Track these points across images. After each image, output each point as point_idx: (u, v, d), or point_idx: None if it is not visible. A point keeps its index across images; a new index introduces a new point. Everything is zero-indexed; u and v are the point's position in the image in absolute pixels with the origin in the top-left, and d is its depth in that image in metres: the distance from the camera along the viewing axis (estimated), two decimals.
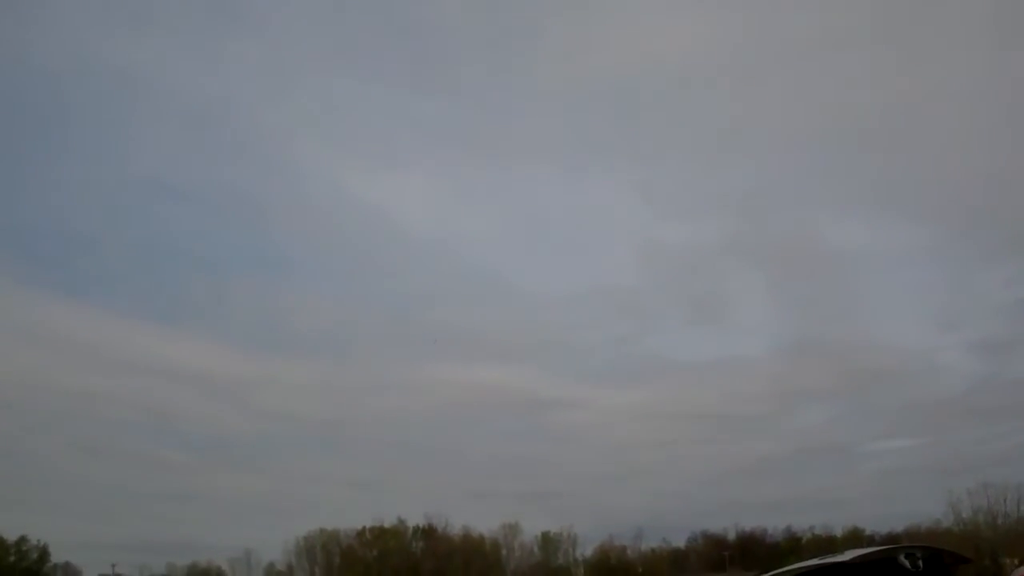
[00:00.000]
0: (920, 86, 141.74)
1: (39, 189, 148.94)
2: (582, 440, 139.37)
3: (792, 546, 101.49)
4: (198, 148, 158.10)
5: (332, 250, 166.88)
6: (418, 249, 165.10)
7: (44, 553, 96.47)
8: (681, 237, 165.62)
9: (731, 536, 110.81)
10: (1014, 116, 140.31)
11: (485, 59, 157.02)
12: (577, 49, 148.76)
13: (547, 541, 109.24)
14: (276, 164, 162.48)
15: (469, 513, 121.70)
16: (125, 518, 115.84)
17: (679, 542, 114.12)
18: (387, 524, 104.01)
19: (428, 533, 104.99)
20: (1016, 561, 57.54)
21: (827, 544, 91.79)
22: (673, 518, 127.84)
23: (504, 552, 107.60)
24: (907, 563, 13.25)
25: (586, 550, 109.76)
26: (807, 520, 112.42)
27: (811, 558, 16.72)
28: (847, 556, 14.18)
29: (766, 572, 17.67)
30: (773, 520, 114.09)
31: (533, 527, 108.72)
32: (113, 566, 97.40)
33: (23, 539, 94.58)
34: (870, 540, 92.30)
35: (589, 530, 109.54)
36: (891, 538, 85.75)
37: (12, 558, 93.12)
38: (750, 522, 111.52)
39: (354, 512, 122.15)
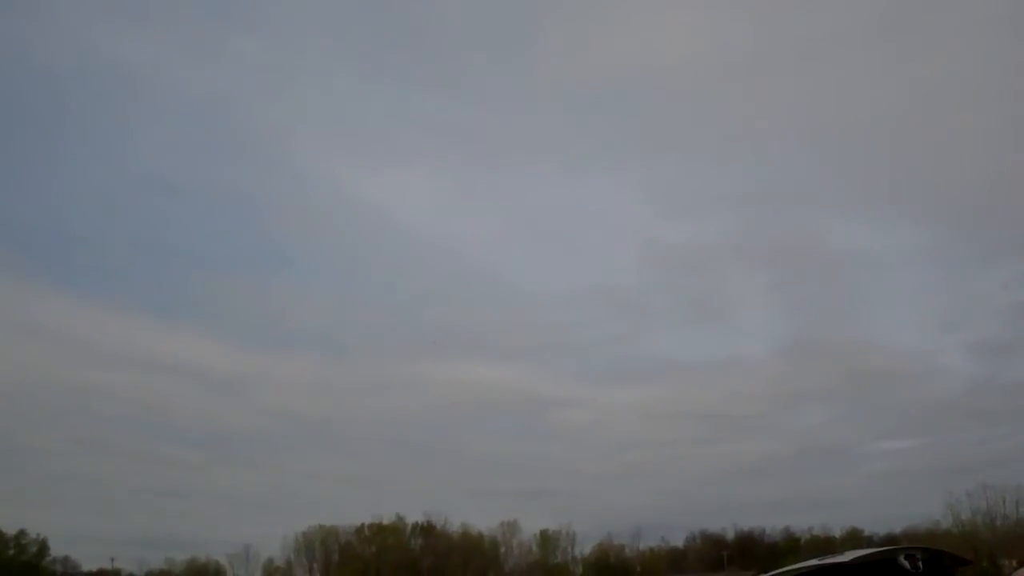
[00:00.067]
0: (923, 87, 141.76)
1: (38, 185, 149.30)
2: (581, 439, 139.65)
3: (791, 546, 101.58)
4: (197, 145, 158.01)
5: (332, 247, 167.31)
6: (418, 247, 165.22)
7: (43, 547, 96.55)
8: (682, 237, 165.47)
9: (729, 536, 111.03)
10: (1017, 117, 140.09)
11: (486, 58, 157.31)
12: (578, 48, 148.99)
13: (546, 539, 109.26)
14: (276, 161, 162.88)
15: (468, 511, 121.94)
16: (124, 513, 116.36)
17: (677, 541, 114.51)
18: (386, 521, 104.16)
19: (427, 530, 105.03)
20: (1015, 563, 57.45)
21: (825, 544, 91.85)
22: (672, 517, 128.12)
23: (503, 550, 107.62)
24: (907, 564, 13.24)
25: (584, 549, 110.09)
26: (806, 520, 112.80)
27: (810, 558, 16.72)
28: (847, 557, 14.18)
29: (764, 572, 17.67)
30: (772, 520, 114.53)
31: (532, 525, 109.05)
32: (112, 560, 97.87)
33: (22, 533, 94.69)
34: (869, 541, 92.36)
35: (588, 529, 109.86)
36: (890, 539, 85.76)
37: (11, 552, 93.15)
38: (749, 522, 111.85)
39: (353, 509, 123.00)
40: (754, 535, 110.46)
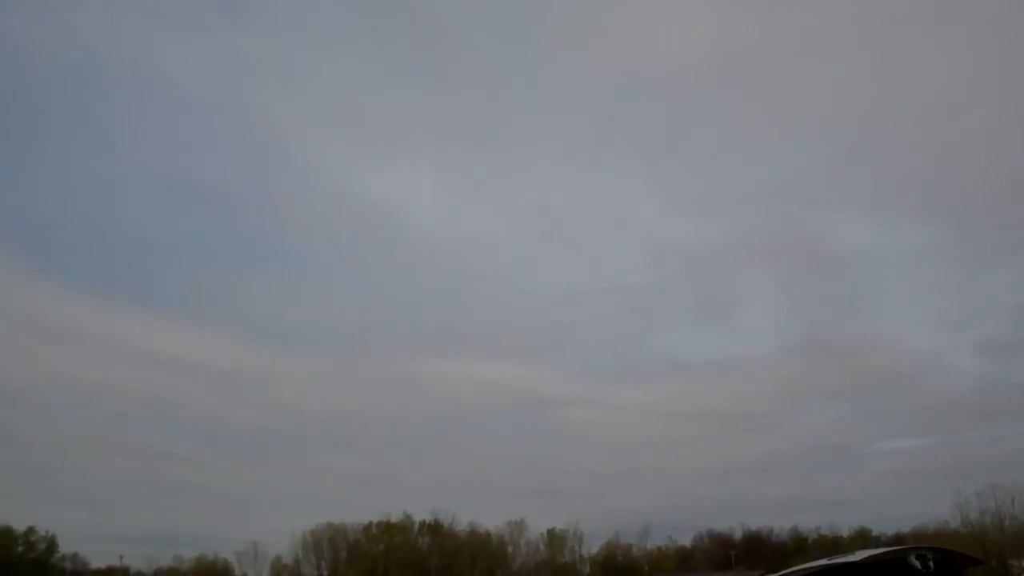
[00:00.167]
0: (930, 86, 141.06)
1: (45, 183, 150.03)
2: (589, 438, 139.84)
3: (798, 546, 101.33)
4: (204, 142, 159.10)
5: (340, 246, 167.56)
6: (426, 246, 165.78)
7: (52, 544, 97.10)
8: (690, 235, 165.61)
9: (737, 535, 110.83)
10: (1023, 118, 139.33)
11: (495, 54, 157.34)
12: (588, 46, 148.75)
13: (553, 538, 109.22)
14: (281, 159, 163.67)
15: (475, 509, 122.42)
16: (133, 510, 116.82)
17: (685, 541, 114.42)
18: (394, 519, 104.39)
19: (434, 528, 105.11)
20: (1023, 563, 57.25)
21: (833, 544, 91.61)
22: (679, 517, 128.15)
23: (510, 548, 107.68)
24: (918, 564, 13.19)
25: (592, 547, 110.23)
26: (813, 520, 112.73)
27: (818, 558, 16.68)
28: (857, 556, 14.15)
29: (772, 571, 17.62)
30: (779, 520, 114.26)
31: (539, 524, 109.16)
32: (121, 557, 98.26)
33: (31, 530, 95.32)
34: (877, 541, 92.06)
35: (595, 527, 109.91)
36: (898, 539, 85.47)
37: (20, 549, 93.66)
38: (756, 521, 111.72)
39: (361, 507, 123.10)
40: (762, 534, 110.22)
